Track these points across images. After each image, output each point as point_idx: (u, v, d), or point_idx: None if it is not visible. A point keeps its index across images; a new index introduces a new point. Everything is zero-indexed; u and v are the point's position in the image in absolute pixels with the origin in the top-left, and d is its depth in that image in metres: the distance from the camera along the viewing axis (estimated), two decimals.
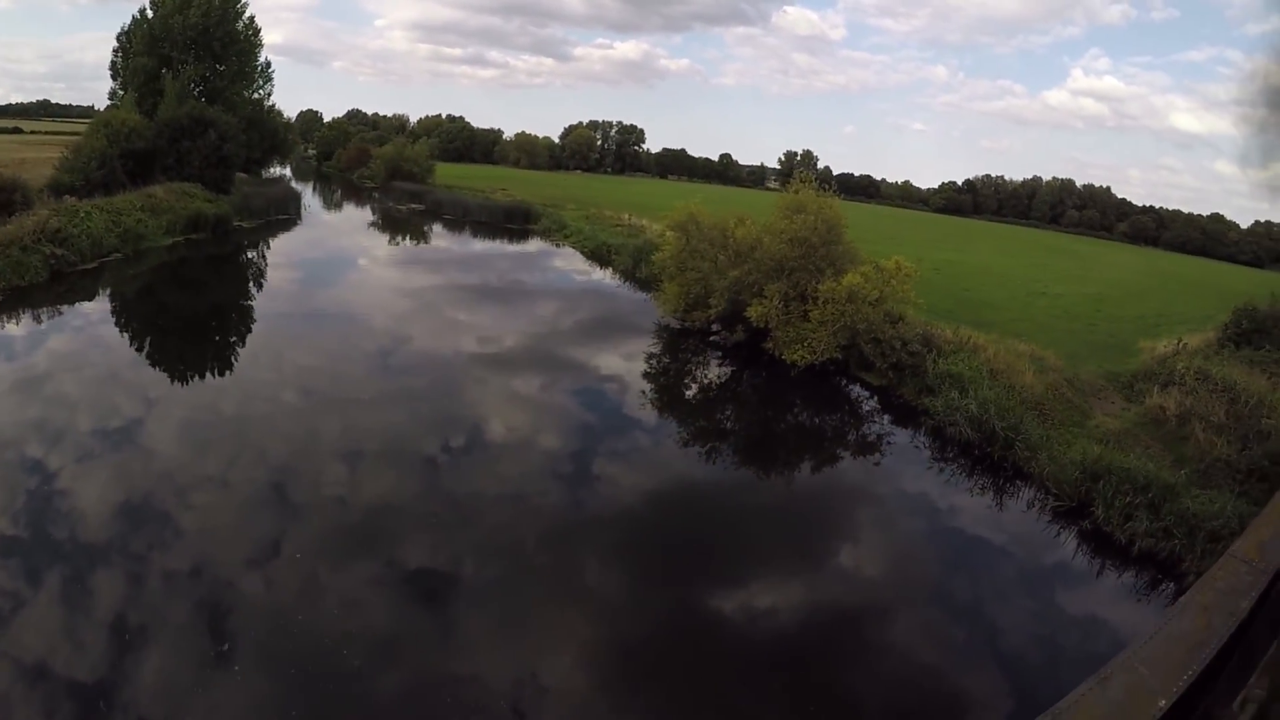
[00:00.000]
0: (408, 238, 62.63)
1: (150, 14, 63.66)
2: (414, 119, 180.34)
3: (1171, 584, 15.59)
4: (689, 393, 27.58)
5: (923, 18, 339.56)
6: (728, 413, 26.38)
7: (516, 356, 28.53)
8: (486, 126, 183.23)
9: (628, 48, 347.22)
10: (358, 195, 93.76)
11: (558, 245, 61.76)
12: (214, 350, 26.41)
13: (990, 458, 21.77)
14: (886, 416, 26.02)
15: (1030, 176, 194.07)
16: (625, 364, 29.06)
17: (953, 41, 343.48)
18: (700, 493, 18.90)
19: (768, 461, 22.33)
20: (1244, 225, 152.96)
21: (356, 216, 75.84)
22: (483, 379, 25.52)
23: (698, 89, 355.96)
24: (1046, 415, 23.22)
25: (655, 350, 31.61)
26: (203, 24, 62.47)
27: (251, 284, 39.10)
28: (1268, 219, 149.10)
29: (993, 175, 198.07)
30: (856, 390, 28.31)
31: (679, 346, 32.38)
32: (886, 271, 28.57)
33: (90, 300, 31.15)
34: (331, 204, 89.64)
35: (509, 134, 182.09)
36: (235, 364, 24.78)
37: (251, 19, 67.43)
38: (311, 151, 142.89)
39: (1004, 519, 19.15)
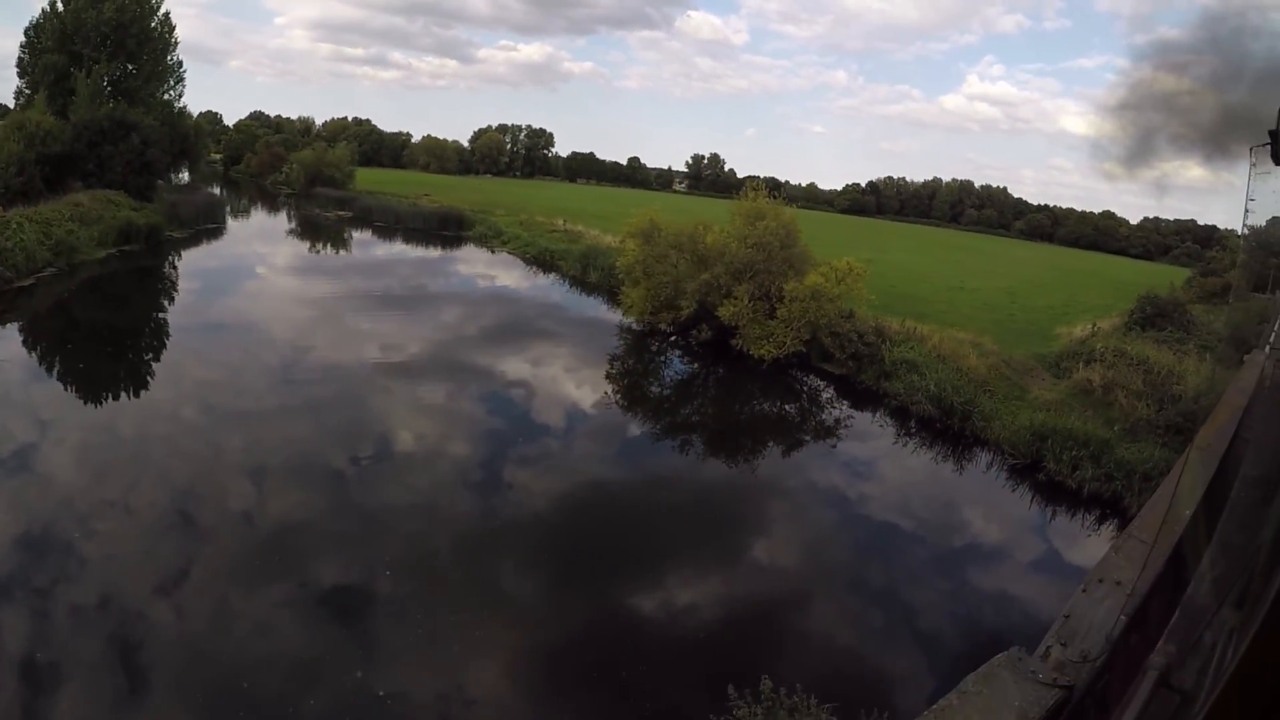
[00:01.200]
0: (344, 247, 62.50)
1: (61, 8, 60.86)
2: (318, 121, 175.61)
3: (1117, 518, 19.37)
4: (657, 389, 30.49)
5: (824, 24, 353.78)
6: (698, 405, 29.32)
7: (495, 353, 30.73)
8: (391, 130, 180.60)
9: (532, 50, 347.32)
10: (276, 202, 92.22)
11: (494, 251, 63.33)
12: (130, 368, 25.56)
13: (950, 429, 25.58)
14: (845, 402, 29.57)
15: (930, 178, 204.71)
16: (596, 364, 31.51)
17: (853, 48, 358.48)
18: (670, 482, 20.81)
19: (747, 444, 25.42)
20: (1133, 221, 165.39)
21: (284, 226, 74.48)
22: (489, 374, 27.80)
23: (601, 92, 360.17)
24: (992, 391, 27.16)
25: (620, 351, 34.36)
26: (117, 19, 60.02)
27: (187, 298, 37.65)
28: (1155, 215, 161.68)
29: (894, 177, 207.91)
30: (815, 381, 31.73)
31: (645, 347, 35.16)
32: (840, 271, 32.20)
33: (34, 320, 30.40)
34: (253, 212, 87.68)
35: (415, 137, 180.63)
36: (150, 381, 23.97)
37: (166, 15, 65.23)
38: (217, 156, 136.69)
39: (968, 477, 22.93)
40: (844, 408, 28.93)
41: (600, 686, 11.92)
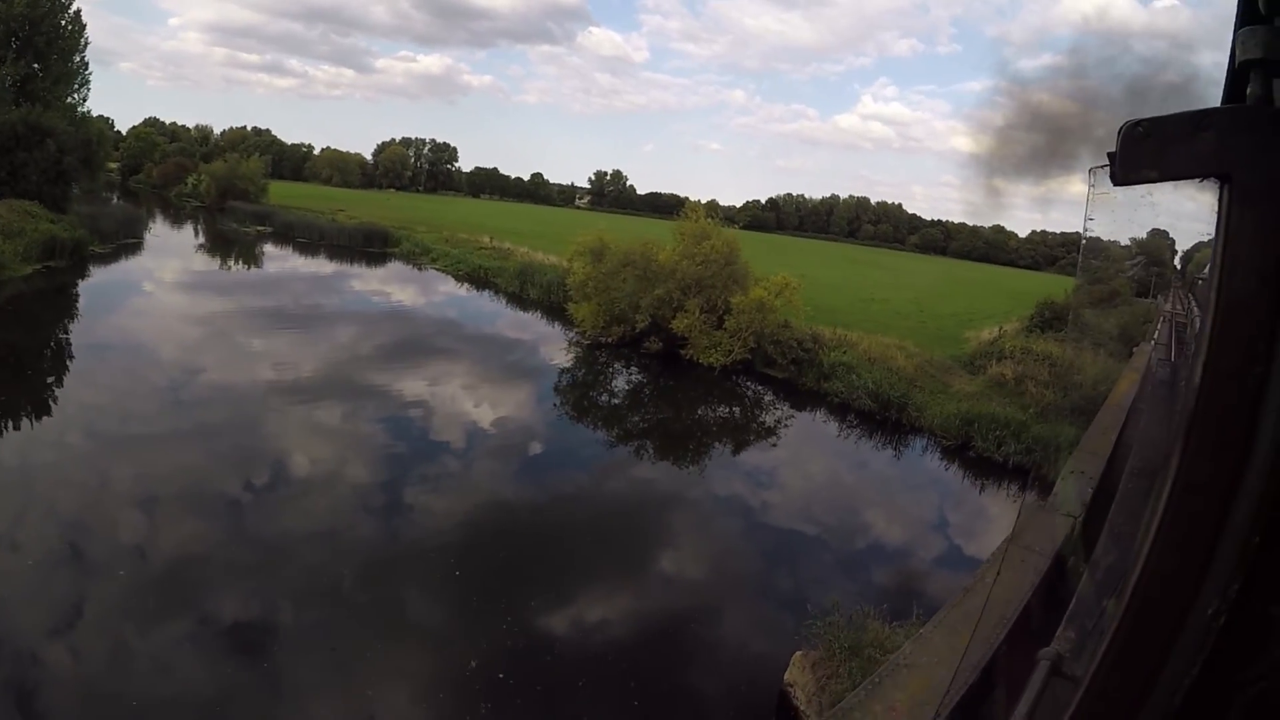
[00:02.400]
0: (275, 265, 62.15)
1: None
2: (217, 130, 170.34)
3: (1038, 483, 23.45)
4: (607, 397, 33.38)
5: (723, 44, 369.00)
6: (652, 410, 32.19)
7: (451, 367, 33.29)
8: (291, 141, 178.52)
9: (431, 61, 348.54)
10: (186, 217, 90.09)
11: (421, 269, 64.87)
12: (34, 393, 24.01)
13: (888, 420, 29.61)
14: (787, 403, 33.25)
15: (829, 194, 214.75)
16: (546, 375, 34.55)
17: (751, 67, 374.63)
18: (632, 484, 23.18)
19: (703, 439, 28.74)
20: (1022, 235, 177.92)
21: (205, 242, 72.64)
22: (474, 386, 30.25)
23: (500, 106, 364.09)
24: (921, 386, 31.32)
25: (569, 364, 36.97)
26: (28, 14, 57.39)
27: (127, 319, 35.75)
28: (1042, 229, 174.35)
29: (793, 194, 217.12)
30: (759, 386, 35.33)
31: (594, 359, 37.96)
32: (778, 285, 36.06)
33: None
34: (169, 227, 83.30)
35: (315, 149, 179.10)
36: (54, 407, 22.85)
37: (78, 13, 62.09)
38: (113, 165, 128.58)
39: (908, 458, 26.92)
40: (785, 409, 32.52)
41: (513, 705, 12.04)
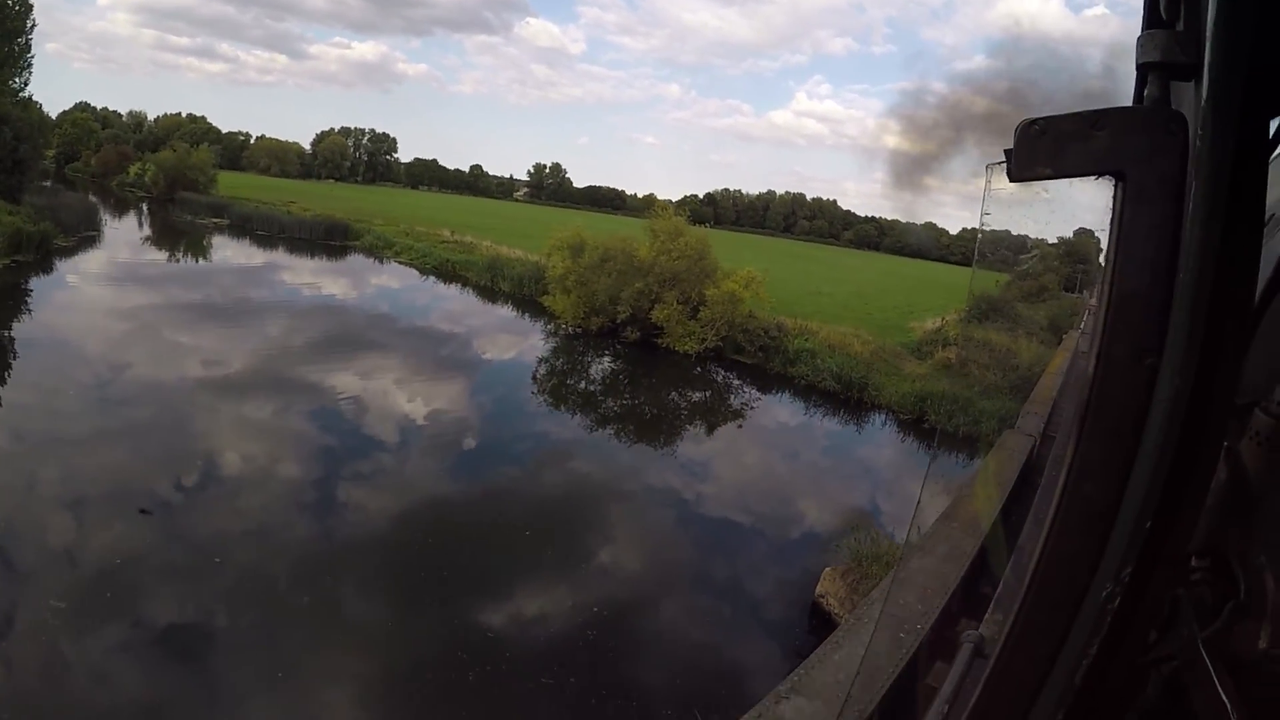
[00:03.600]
0: (234, 258, 62.46)
1: None
2: (150, 116, 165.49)
3: (985, 450, 27.81)
4: (590, 383, 36.97)
5: (660, 38, 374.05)
6: (635, 392, 35.77)
7: (454, 351, 36.55)
8: (220, 128, 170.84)
9: (366, 49, 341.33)
10: (135, 208, 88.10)
11: (382, 261, 66.39)
12: None
13: (850, 399, 33.88)
14: (755, 386, 37.29)
15: (765, 190, 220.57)
16: (525, 357, 38.10)
17: (687, 62, 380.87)
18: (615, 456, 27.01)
19: (687, 413, 32.61)
20: (953, 231, 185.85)
21: (164, 234, 70.60)
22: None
23: (435, 96, 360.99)
24: (877, 370, 35.68)
25: (548, 352, 40.50)
26: None
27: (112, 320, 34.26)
28: (973, 226, 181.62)
29: (730, 189, 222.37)
30: (729, 372, 39.30)
31: (574, 347, 41.34)
32: (746, 278, 40.08)
33: None
34: (123, 219, 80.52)
35: (249, 138, 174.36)
36: None
37: None
38: (50, 152, 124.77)
39: (869, 430, 31.20)
40: (754, 391, 36.57)
41: (454, 701, 12.25)
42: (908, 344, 42.05)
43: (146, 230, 74.23)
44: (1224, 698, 1.33)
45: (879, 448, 29.87)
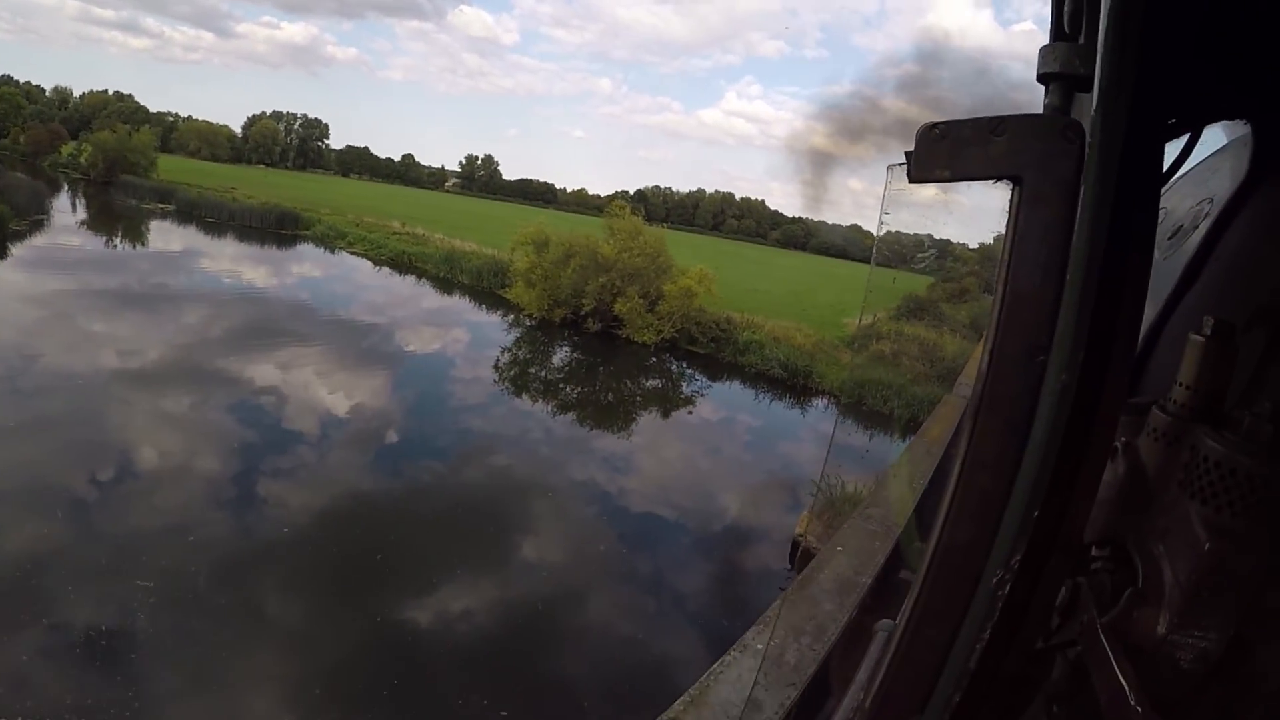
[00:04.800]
0: (190, 245, 61.83)
1: None
2: (72, 91, 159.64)
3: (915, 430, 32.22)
4: (566, 368, 40.52)
5: (594, 32, 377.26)
6: (597, 379, 39.48)
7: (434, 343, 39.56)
8: (145, 107, 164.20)
9: (295, 30, 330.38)
10: (73, 190, 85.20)
11: (333, 252, 67.14)
12: None
13: (796, 385, 38.13)
14: (707, 374, 41.24)
15: (695, 188, 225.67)
16: (492, 349, 41.38)
17: (620, 57, 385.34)
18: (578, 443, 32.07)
19: (656, 395, 36.37)
20: (878, 234, 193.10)
21: (109, 220, 68.53)
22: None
23: (364, 81, 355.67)
24: (820, 359, 40.03)
25: (523, 340, 43.79)
26: None
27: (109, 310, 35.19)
28: (896, 230, 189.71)
29: (661, 186, 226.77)
30: (681, 363, 43.19)
31: (537, 338, 44.51)
32: (698, 275, 44.07)
33: None
34: (66, 201, 77.67)
35: (179, 119, 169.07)
36: None
37: None
38: None
39: (813, 413, 35.46)
40: (706, 380, 40.47)
41: (379, 701, 12.42)
42: (843, 338, 46.59)
43: (88, 214, 72.43)
44: (1121, 680, 1.39)
45: (827, 423, 34.16)
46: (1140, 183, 1.29)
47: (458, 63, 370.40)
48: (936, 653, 1.46)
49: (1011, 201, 1.37)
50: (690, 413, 33.93)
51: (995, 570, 1.37)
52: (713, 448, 29.58)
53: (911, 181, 1.43)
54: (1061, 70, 1.38)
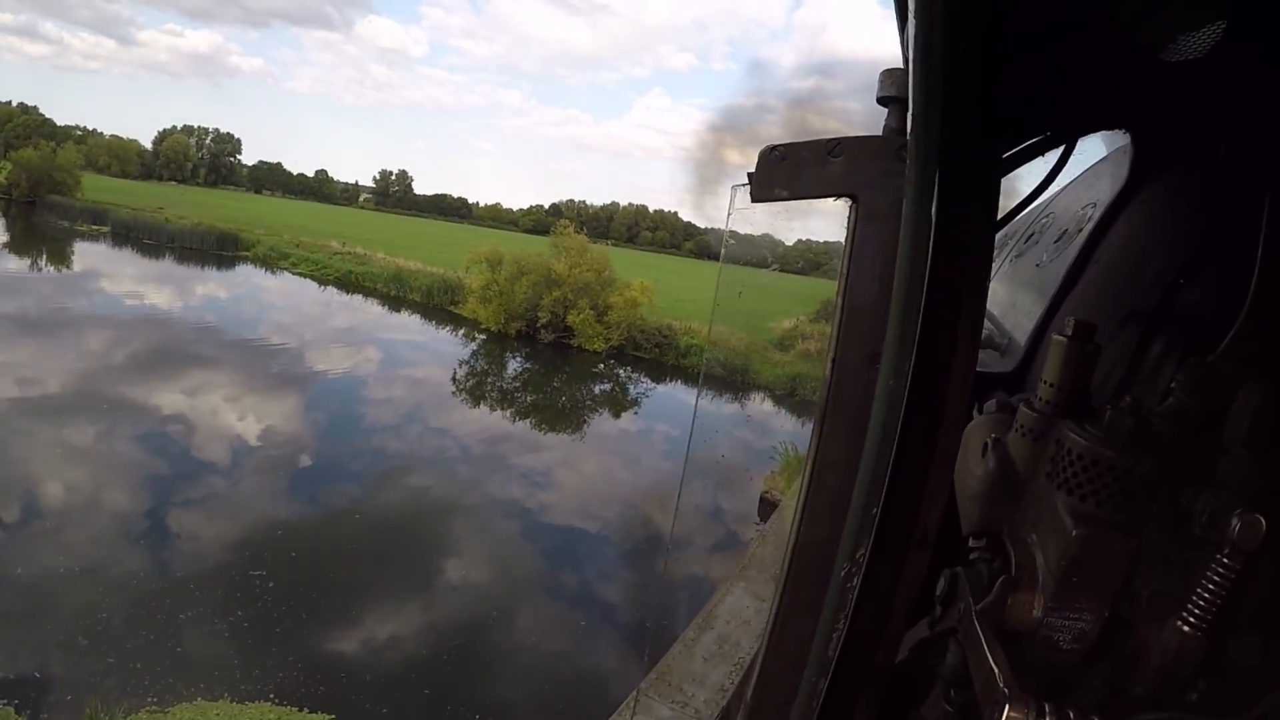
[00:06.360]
0: (137, 269, 61.56)
1: None
2: None
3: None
4: (530, 374, 45.16)
5: (503, 44, 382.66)
6: (551, 384, 44.32)
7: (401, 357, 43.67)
8: (52, 120, 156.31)
9: (199, 38, 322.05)
10: None
11: (274, 272, 68.39)
12: None
13: (734, 382, 43.63)
14: (653, 376, 46.42)
15: (609, 201, 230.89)
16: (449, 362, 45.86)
17: (528, 69, 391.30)
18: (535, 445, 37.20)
19: (607, 397, 41.26)
20: (789, 243, 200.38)
21: (37, 242, 67.08)
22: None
23: (268, 92, 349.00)
24: (754, 359, 45.70)
25: (484, 351, 48.15)
26: None
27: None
28: (807, 238, 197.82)
29: (575, 199, 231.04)
30: (628, 367, 48.24)
31: (494, 350, 48.72)
32: (640, 287, 49.34)
33: None
34: None
35: (87, 133, 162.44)
36: None
37: None
38: None
39: (751, 406, 41.07)
40: (649, 382, 45.65)
41: None
42: (770, 340, 52.43)
43: (10, 236, 69.73)
44: (991, 662, 1.40)
45: (765, 412, 39.60)
46: (961, 198, 1.32)
47: (365, 74, 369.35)
48: (803, 644, 1.56)
49: (849, 219, 1.49)
50: (637, 413, 39.01)
51: (843, 564, 1.45)
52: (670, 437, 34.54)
53: (753, 201, 1.55)
54: (897, 94, 1.49)
